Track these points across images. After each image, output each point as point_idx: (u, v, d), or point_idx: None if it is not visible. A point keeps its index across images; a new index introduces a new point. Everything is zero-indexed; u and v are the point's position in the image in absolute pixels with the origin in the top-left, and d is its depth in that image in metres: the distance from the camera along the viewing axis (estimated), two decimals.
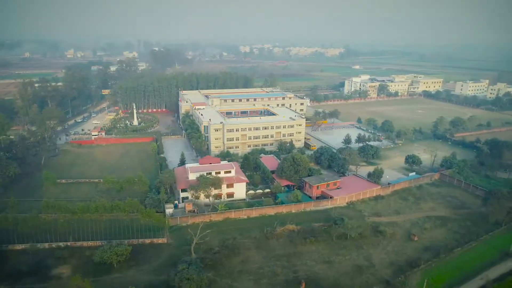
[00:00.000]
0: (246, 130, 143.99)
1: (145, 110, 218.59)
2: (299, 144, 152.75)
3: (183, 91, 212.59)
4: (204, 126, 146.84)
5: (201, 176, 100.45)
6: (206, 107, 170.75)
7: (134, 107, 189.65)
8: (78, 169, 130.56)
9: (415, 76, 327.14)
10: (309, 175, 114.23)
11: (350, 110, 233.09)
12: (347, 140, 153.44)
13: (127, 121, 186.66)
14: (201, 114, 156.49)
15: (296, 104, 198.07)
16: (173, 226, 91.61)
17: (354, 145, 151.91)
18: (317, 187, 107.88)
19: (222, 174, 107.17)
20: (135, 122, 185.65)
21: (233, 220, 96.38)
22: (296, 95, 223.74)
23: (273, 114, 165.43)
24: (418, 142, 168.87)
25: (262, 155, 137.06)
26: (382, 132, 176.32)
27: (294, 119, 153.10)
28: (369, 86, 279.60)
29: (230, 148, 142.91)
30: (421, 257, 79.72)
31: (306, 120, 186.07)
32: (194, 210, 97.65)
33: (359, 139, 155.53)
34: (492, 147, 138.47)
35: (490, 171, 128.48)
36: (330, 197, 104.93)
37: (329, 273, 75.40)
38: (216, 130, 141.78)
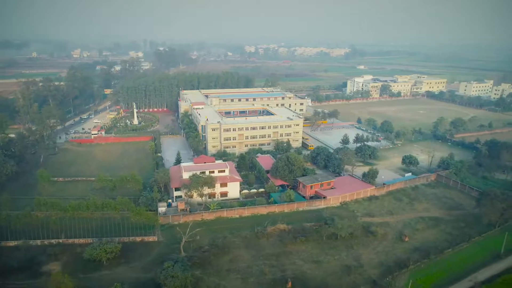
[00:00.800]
0: (243, 130, 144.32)
1: (146, 110, 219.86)
2: (296, 144, 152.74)
3: (184, 91, 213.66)
4: (202, 125, 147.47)
5: (193, 175, 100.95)
6: (205, 107, 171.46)
7: (134, 107, 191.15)
8: (76, 168, 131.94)
9: (418, 77, 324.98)
10: (303, 175, 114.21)
11: (351, 110, 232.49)
12: (345, 140, 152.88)
13: (128, 120, 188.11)
14: (199, 114, 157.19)
15: (295, 104, 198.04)
16: (165, 224, 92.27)
17: (352, 145, 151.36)
18: (311, 187, 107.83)
19: (216, 174, 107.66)
20: (135, 122, 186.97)
21: (225, 219, 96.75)
22: (297, 95, 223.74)
23: (272, 114, 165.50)
24: (418, 142, 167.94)
25: (258, 154, 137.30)
26: (382, 133, 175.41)
27: (291, 119, 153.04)
28: (371, 86, 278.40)
29: (227, 147, 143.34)
30: (411, 257, 79.37)
31: (305, 120, 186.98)
32: (186, 209, 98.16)
33: (357, 139, 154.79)
34: (491, 148, 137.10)
35: (488, 172, 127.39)
36: (324, 197, 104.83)
37: (317, 273, 75.44)
38: (213, 129, 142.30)
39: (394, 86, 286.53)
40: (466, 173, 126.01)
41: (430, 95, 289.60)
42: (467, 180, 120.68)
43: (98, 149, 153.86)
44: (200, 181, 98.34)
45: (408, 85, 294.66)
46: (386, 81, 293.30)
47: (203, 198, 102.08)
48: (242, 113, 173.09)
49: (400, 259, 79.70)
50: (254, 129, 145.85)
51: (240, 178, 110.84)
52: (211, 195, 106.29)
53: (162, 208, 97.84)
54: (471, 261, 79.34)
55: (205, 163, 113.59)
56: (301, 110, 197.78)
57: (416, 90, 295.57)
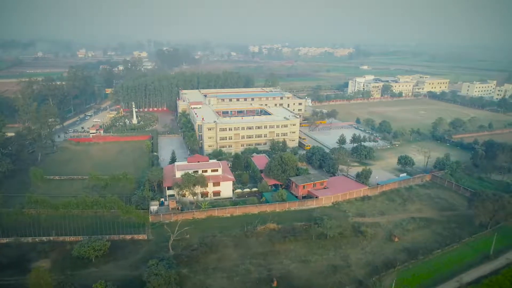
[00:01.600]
0: (239, 130, 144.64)
1: (146, 109, 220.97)
2: (293, 144, 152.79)
3: (183, 90, 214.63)
4: (198, 125, 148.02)
5: (185, 174, 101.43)
6: (202, 106, 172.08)
7: (133, 106, 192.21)
8: (73, 166, 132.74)
9: (420, 77, 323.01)
10: (297, 175, 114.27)
11: (351, 111, 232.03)
12: (342, 140, 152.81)
13: (127, 120, 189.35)
14: (196, 113, 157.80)
15: (294, 104, 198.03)
16: (156, 223, 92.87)
17: (349, 145, 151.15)
18: (303, 186, 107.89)
19: (209, 173, 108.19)
20: (134, 121, 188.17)
21: (216, 218, 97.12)
22: (296, 95, 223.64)
23: (269, 114, 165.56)
24: (416, 143, 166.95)
25: (254, 154, 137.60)
26: (380, 133, 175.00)
27: (288, 119, 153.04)
28: (373, 87, 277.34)
29: (223, 147, 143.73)
30: (398, 258, 79.30)
31: (304, 120, 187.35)
32: (177, 208, 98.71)
33: (354, 139, 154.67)
34: (488, 149, 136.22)
35: (484, 173, 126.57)
36: (316, 197, 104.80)
37: (303, 272, 75.51)
38: (209, 129, 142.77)
39: (395, 86, 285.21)
40: (461, 173, 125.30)
41: (432, 95, 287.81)
42: (462, 181, 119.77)
43: (96, 148, 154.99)
44: (191, 180, 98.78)
45: (409, 85, 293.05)
46: (387, 81, 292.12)
47: (195, 197, 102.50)
48: (240, 112, 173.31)
49: (388, 259, 79.49)
50: (250, 128, 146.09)
51: (233, 177, 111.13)
52: (204, 194, 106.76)
53: (154, 207, 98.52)
54: (459, 262, 78.86)
55: (198, 162, 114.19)
56: (299, 110, 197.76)
57: (418, 91, 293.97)
